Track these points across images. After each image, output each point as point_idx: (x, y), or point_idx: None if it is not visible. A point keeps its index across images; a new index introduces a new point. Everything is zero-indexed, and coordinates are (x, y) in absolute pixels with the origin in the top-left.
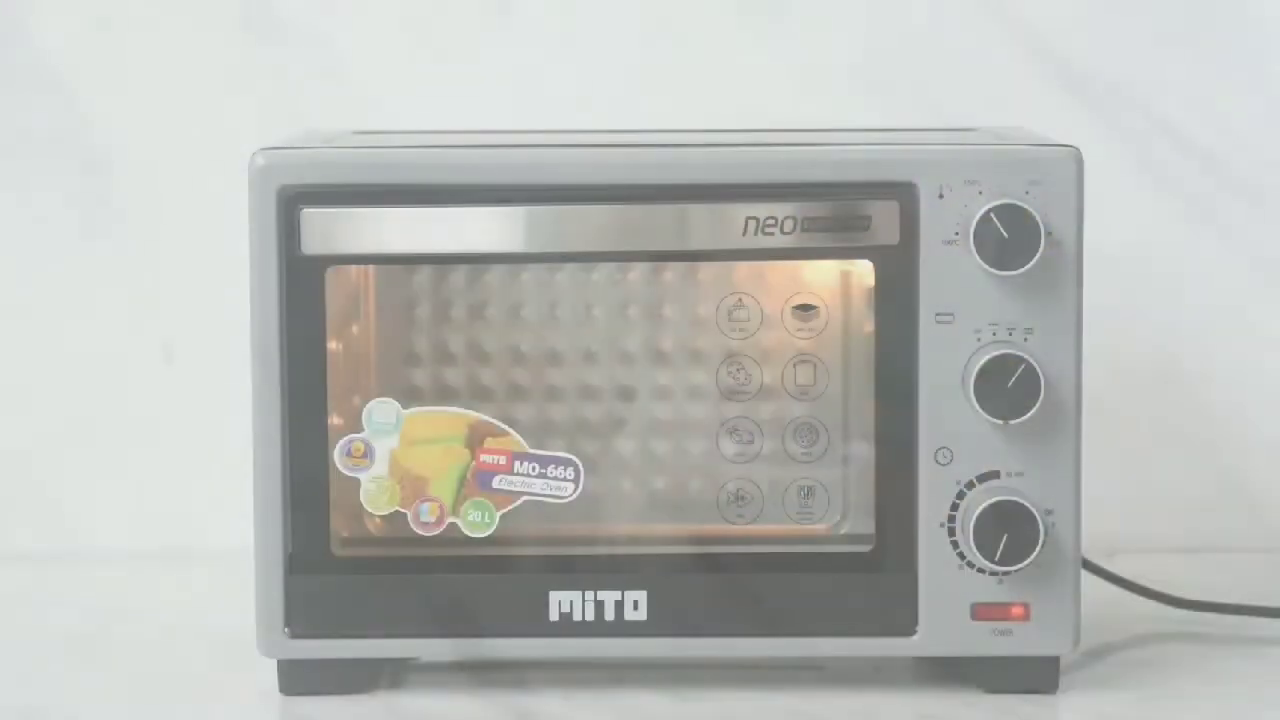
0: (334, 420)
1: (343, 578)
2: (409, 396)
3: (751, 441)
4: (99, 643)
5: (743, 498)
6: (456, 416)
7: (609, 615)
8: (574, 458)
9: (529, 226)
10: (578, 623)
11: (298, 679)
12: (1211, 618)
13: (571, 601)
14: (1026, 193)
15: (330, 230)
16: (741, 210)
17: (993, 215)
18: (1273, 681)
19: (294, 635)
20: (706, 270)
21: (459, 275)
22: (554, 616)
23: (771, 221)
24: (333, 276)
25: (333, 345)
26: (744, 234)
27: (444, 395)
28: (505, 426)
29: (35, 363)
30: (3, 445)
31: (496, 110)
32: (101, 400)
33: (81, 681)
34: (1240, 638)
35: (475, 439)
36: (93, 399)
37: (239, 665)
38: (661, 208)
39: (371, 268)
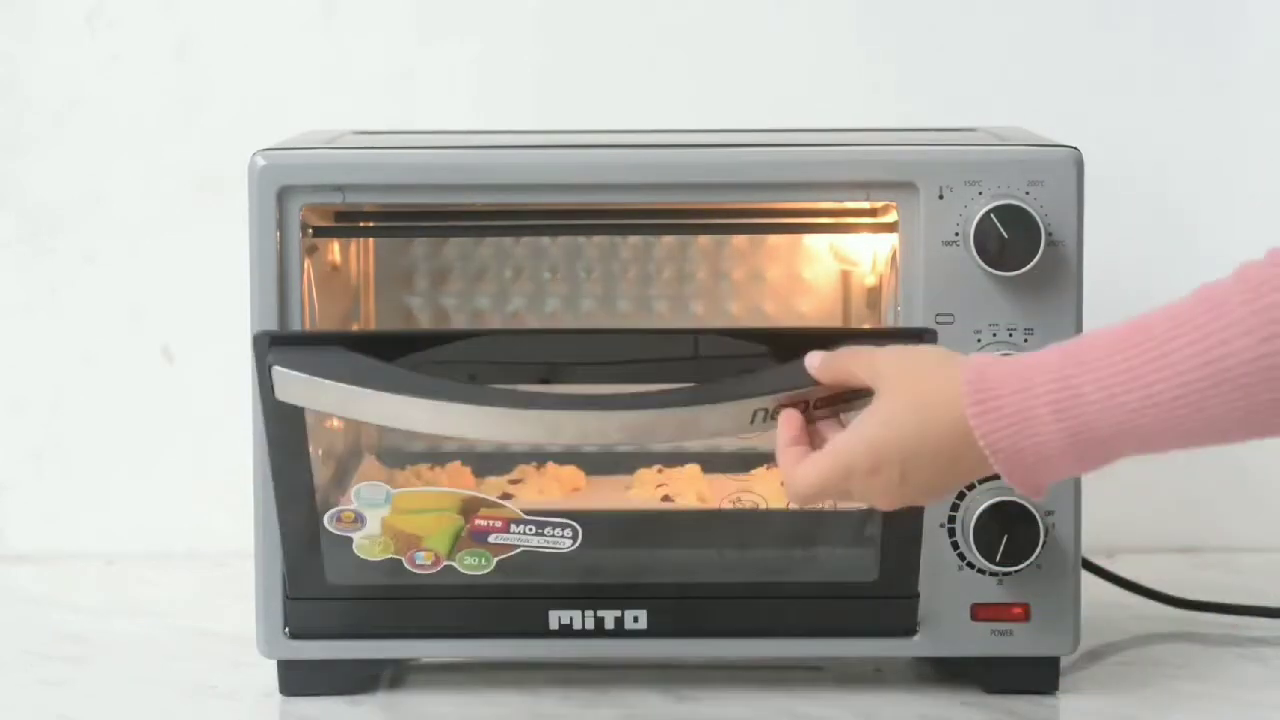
0: (333, 423)
1: (343, 579)
2: None
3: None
4: (99, 643)
5: (742, 500)
6: (448, 495)
7: (609, 626)
8: (572, 522)
9: (521, 425)
10: (578, 630)
11: (298, 679)
12: (1211, 618)
13: (571, 617)
14: (1026, 193)
15: (304, 390)
16: (750, 405)
17: (993, 215)
18: (1272, 682)
19: (294, 636)
20: (705, 270)
21: (458, 279)
22: (554, 626)
23: (778, 413)
24: (332, 278)
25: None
26: (750, 423)
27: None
28: (501, 501)
29: (36, 363)
30: (3, 446)
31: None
32: (101, 400)
33: (82, 681)
34: (1240, 638)
35: (469, 509)
36: (93, 399)
37: (239, 665)
38: (665, 413)
39: (372, 269)
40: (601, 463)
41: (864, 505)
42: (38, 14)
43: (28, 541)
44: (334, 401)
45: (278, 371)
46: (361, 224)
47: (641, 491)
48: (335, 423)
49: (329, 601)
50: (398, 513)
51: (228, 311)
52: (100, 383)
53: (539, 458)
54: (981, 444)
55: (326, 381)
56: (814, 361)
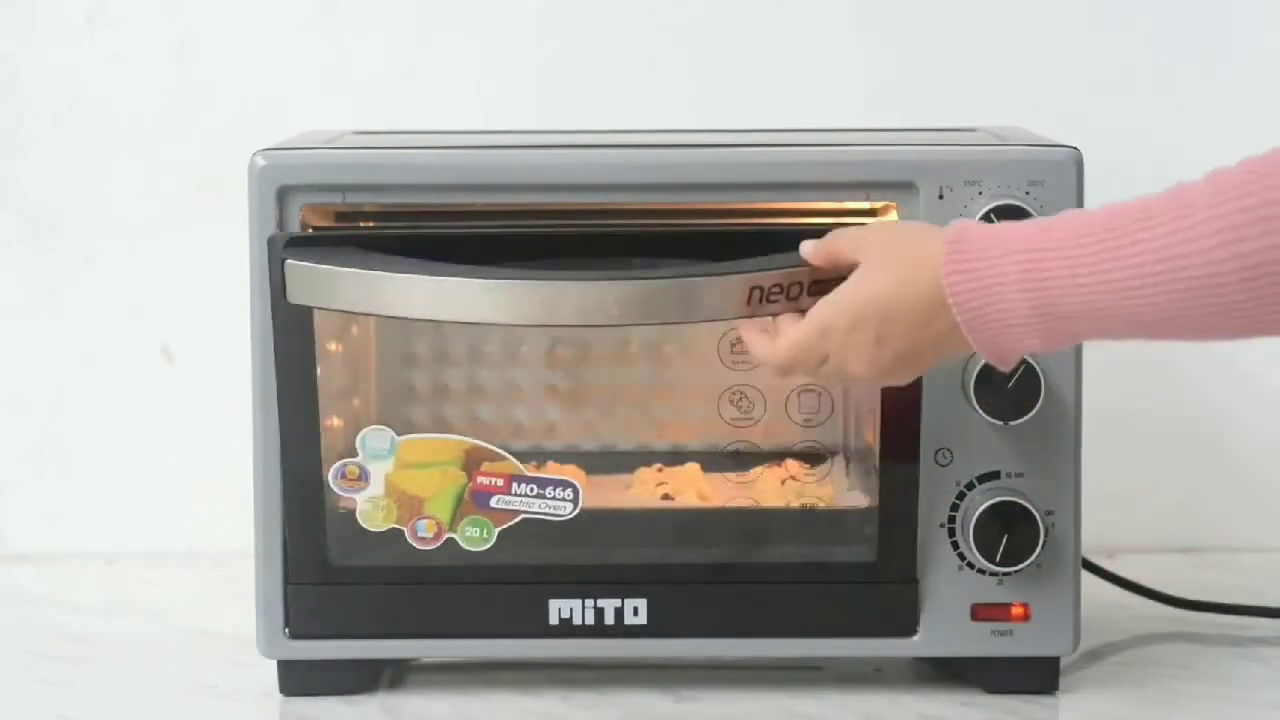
0: (333, 422)
1: (342, 579)
2: (408, 397)
3: (750, 409)
4: (99, 643)
5: (742, 499)
6: (452, 443)
7: (609, 620)
8: (573, 480)
9: (519, 301)
10: (578, 626)
11: (298, 679)
12: (1211, 618)
13: (571, 609)
14: (1026, 193)
15: (314, 283)
16: (745, 281)
17: (993, 216)
18: (1271, 682)
19: (294, 636)
20: None
21: None
22: (554, 621)
23: (776, 290)
24: None
25: (332, 347)
26: (748, 303)
27: (443, 396)
28: (502, 452)
29: (36, 363)
30: (3, 446)
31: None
32: (101, 400)
33: (82, 681)
34: (1240, 638)
35: (471, 463)
36: (93, 399)
37: (239, 665)
38: (662, 284)
39: None
40: (601, 462)
41: (840, 382)
42: (38, 14)
43: (28, 541)
44: (344, 291)
45: (290, 266)
46: (361, 224)
47: (642, 490)
48: (336, 421)
49: (331, 588)
50: (402, 467)
51: (228, 311)
52: (100, 383)
53: (539, 457)
54: (950, 303)
55: (336, 269)
56: (807, 248)
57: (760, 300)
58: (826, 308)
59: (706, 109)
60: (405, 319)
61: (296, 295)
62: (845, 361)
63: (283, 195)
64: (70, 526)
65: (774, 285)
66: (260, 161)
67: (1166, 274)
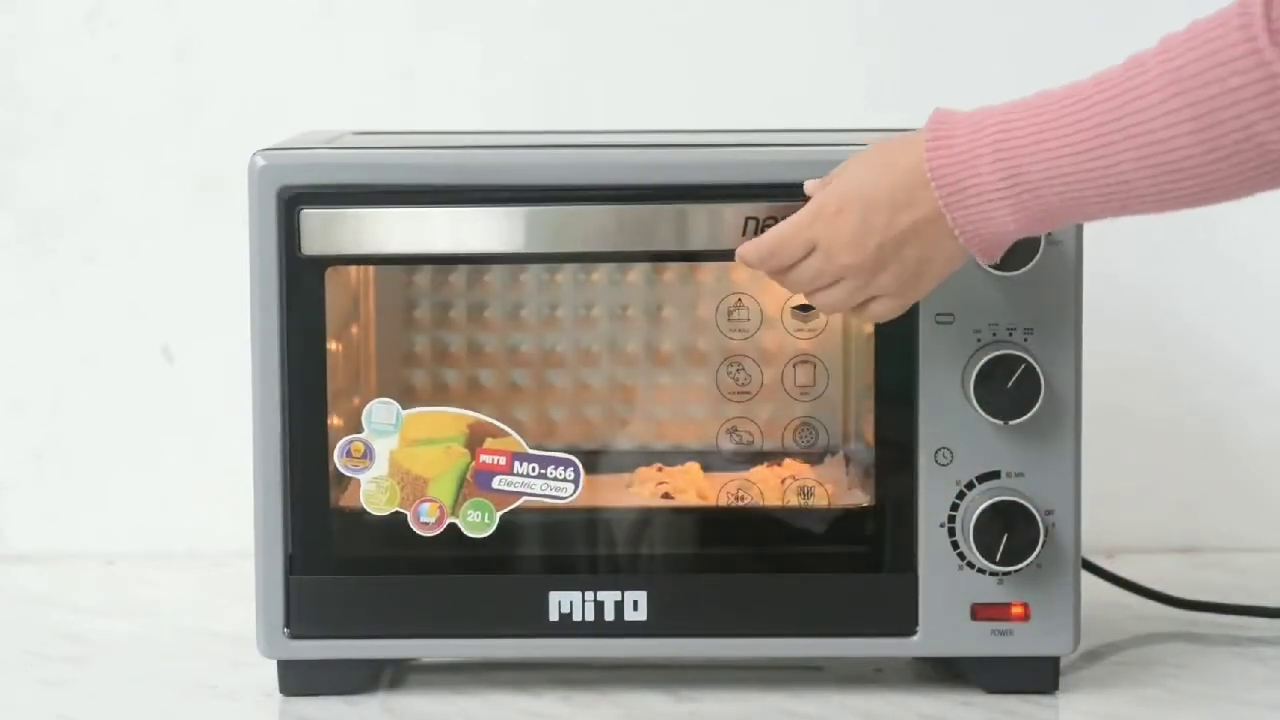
0: (334, 420)
1: (343, 579)
2: (408, 397)
3: (751, 442)
4: (99, 643)
5: (742, 497)
6: (456, 417)
7: (609, 616)
8: (573, 458)
9: (528, 227)
10: (578, 623)
11: (298, 679)
12: (1211, 618)
13: (571, 601)
14: None
15: (330, 230)
16: (741, 210)
17: None
18: (1271, 682)
19: (294, 636)
20: (706, 270)
21: (459, 276)
22: (554, 617)
23: (771, 222)
24: (332, 277)
25: (332, 346)
26: (744, 234)
27: (443, 396)
28: (505, 427)
29: (36, 363)
30: (3, 446)
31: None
32: (101, 400)
33: (82, 681)
34: (1240, 638)
35: (475, 439)
36: (93, 399)
37: (239, 665)
38: (661, 208)
39: (371, 269)
40: (602, 462)
41: (827, 278)
42: (38, 14)
43: (28, 541)
44: (358, 233)
45: (305, 215)
46: None
47: (642, 490)
48: (336, 420)
49: (332, 579)
50: (406, 444)
51: (228, 311)
52: (100, 383)
53: None
54: (929, 178)
55: (349, 210)
56: (810, 184)
57: (755, 231)
58: (814, 200)
59: (706, 109)
60: (416, 257)
61: (311, 246)
62: (832, 250)
63: (283, 195)
64: (70, 526)
65: (769, 217)
66: (260, 161)
67: (1123, 130)
